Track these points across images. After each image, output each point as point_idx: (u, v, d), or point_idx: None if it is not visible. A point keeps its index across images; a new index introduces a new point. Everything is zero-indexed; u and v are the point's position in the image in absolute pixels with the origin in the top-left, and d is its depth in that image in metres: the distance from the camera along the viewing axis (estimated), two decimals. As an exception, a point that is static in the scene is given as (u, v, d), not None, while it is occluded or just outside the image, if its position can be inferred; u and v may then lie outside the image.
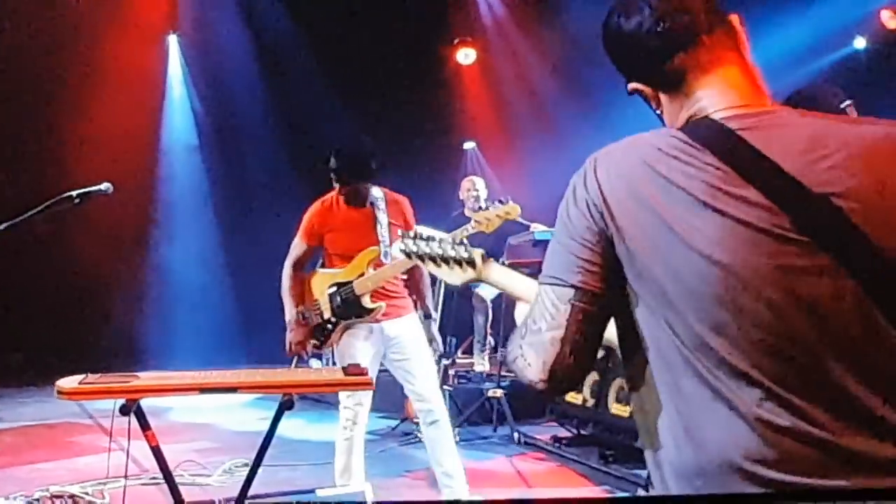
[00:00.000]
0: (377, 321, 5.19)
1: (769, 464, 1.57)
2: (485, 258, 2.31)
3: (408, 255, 2.42)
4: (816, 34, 10.75)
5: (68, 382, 3.52)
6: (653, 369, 1.71)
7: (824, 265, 1.58)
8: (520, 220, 5.11)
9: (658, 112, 1.89)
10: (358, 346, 5.19)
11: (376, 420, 8.16)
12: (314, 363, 8.82)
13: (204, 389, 3.59)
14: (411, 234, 2.45)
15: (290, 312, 5.53)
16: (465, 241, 2.36)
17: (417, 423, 7.27)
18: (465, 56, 11.94)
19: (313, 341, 5.44)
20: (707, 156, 1.66)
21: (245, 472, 3.95)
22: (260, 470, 3.95)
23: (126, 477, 4.07)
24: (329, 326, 5.29)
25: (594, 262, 1.72)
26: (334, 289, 5.29)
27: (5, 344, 10.14)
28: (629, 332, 1.74)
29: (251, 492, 3.91)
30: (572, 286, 1.73)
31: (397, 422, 7.75)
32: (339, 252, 5.37)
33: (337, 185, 5.45)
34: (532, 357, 1.76)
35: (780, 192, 1.61)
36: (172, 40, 11.24)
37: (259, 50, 11.13)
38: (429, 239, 2.43)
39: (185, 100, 11.39)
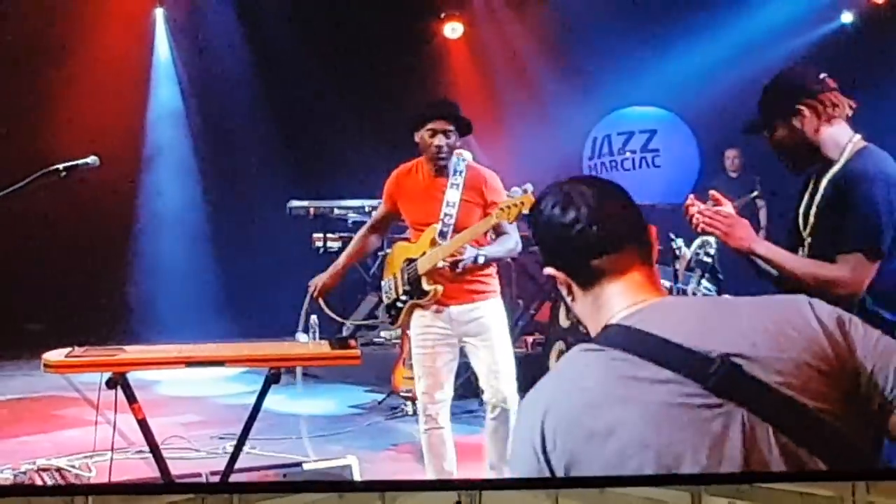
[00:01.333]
0: (444, 304, 4.85)
1: None
2: None
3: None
4: (803, 9, 10.75)
5: (55, 355, 3.53)
6: None
7: (739, 418, 1.71)
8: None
9: (569, 299, 2.03)
10: (425, 330, 4.89)
11: (363, 394, 8.19)
12: (301, 337, 8.82)
13: (191, 363, 3.61)
14: None
15: (333, 265, 5.36)
16: None
17: (404, 398, 7.31)
18: (453, 30, 11.90)
19: (388, 318, 5.18)
20: (616, 354, 1.82)
21: (232, 445, 3.96)
22: (247, 443, 3.97)
23: (112, 450, 4.08)
24: (399, 305, 5.00)
25: None
26: (405, 264, 4.99)
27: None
28: None
29: (237, 465, 3.93)
30: None
31: (384, 396, 7.77)
32: (411, 222, 5.08)
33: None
34: None
35: (685, 364, 1.76)
36: (159, 14, 11.17)
37: (245, 23, 11.06)
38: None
39: (171, 74, 11.31)
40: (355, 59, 11.34)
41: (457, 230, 4.74)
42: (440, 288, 4.79)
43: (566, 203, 1.95)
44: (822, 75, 3.43)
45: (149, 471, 4.14)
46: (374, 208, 8.74)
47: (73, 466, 5.43)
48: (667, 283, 5.99)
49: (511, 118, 11.60)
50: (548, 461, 1.78)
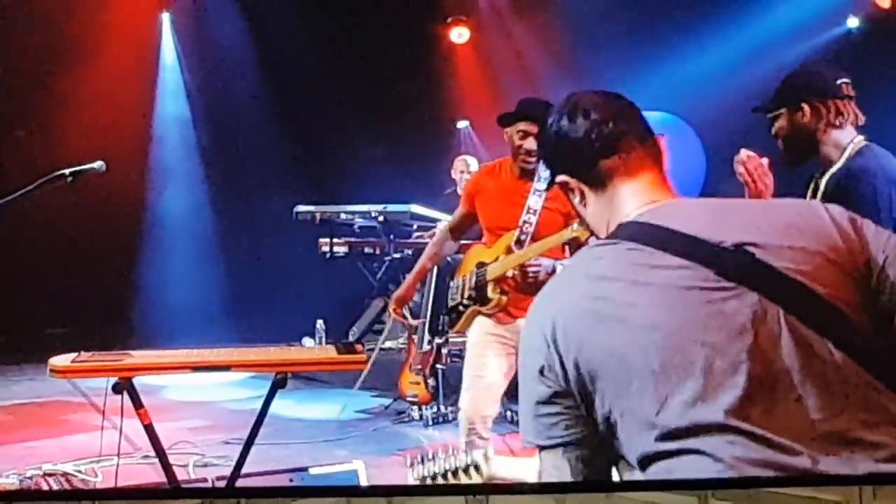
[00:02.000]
0: (511, 316, 4.59)
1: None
2: (487, 457, 2.42)
3: (423, 480, 2.52)
4: (809, 13, 10.74)
5: (61, 360, 3.53)
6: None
7: (751, 300, 1.76)
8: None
9: (581, 206, 2.08)
10: (485, 338, 4.66)
11: (369, 399, 8.17)
12: (307, 342, 8.83)
13: (197, 368, 3.60)
14: (419, 457, 2.55)
15: (410, 276, 5.17)
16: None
17: (410, 403, 7.30)
18: (459, 35, 11.90)
19: (448, 320, 4.94)
20: (630, 244, 1.87)
21: (238, 450, 3.96)
22: (253, 448, 3.96)
23: (119, 455, 4.08)
24: (461, 308, 4.78)
25: (568, 412, 1.84)
26: (476, 268, 4.74)
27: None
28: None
29: (244, 470, 3.92)
30: (560, 445, 1.85)
31: (390, 401, 7.76)
32: (486, 224, 4.80)
33: None
34: None
35: (698, 252, 1.81)
36: (165, 19, 11.18)
37: (251, 28, 11.07)
38: (434, 457, 2.54)
39: (178, 79, 11.33)
40: (361, 65, 11.35)
41: (534, 239, 4.49)
42: (504, 298, 4.56)
43: (573, 110, 2.03)
44: (840, 80, 3.50)
45: (155, 476, 4.14)
46: (381, 213, 8.78)
47: (79, 471, 5.43)
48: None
49: (518, 123, 11.59)
50: (557, 350, 1.81)
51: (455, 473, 2.45)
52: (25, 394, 8.33)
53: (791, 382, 1.70)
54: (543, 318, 1.85)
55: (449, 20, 11.81)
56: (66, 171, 4.32)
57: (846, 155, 3.42)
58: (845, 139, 3.43)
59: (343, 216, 9.04)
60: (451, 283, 4.98)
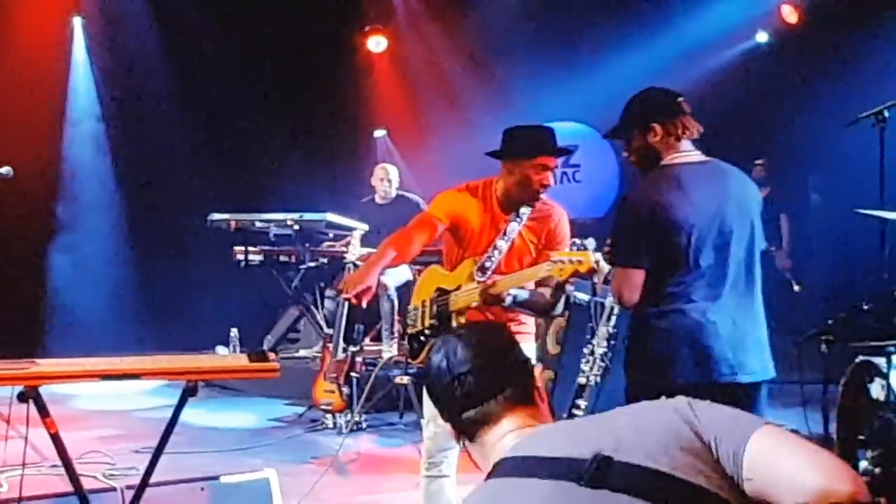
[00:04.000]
0: None
1: None
2: None
3: None
4: (720, 27, 10.99)
5: (-35, 369, 3.46)
6: None
7: (619, 499, 1.77)
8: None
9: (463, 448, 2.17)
10: None
11: (283, 407, 8.16)
12: (221, 350, 8.77)
13: (106, 376, 3.57)
14: None
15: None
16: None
17: (324, 411, 7.30)
18: (377, 44, 11.92)
19: (410, 349, 4.61)
20: (502, 480, 1.93)
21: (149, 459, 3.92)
22: (165, 457, 3.93)
23: (24, 465, 4.02)
24: (422, 339, 4.48)
25: None
26: (436, 294, 4.42)
27: None
28: None
29: (155, 478, 3.89)
30: None
31: (304, 409, 7.75)
32: (460, 247, 4.42)
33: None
34: None
35: (560, 470, 1.84)
36: (77, 23, 11.01)
37: (165, 35, 10.94)
38: None
39: (90, 85, 11.14)
40: (278, 72, 11.31)
41: (498, 268, 4.22)
42: None
43: (440, 359, 2.10)
44: (679, 99, 3.76)
45: (63, 485, 4.07)
46: (297, 221, 8.75)
47: (-17, 482, 5.33)
48: (585, 297, 6.07)
49: (434, 132, 11.65)
50: None
51: None
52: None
53: None
54: None
55: (367, 29, 11.82)
56: (-27, 177, 4.26)
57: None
58: (677, 156, 3.68)
59: (258, 224, 8.98)
60: (409, 309, 4.62)
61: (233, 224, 8.92)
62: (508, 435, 2.03)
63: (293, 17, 11.01)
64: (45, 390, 3.62)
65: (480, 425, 2.06)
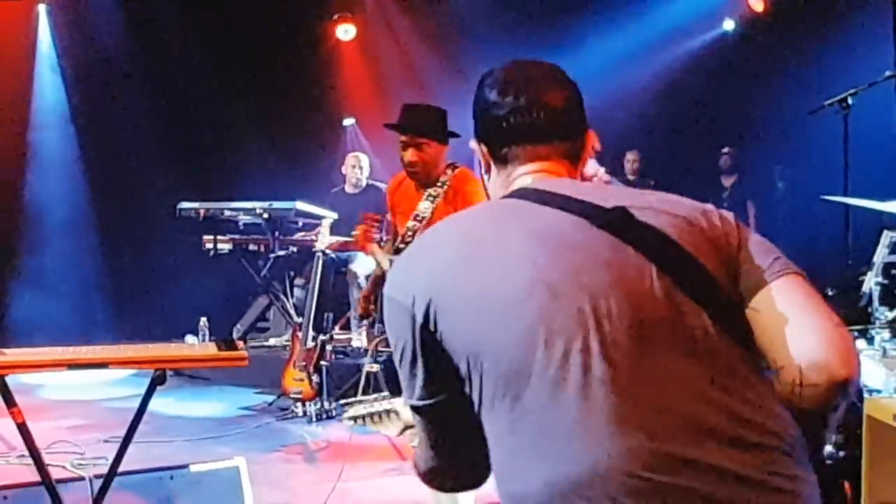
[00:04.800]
0: None
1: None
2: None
3: (354, 420, 2.69)
4: (686, 15, 11.04)
5: (-70, 359, 3.44)
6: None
7: (625, 252, 1.73)
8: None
9: (485, 175, 2.07)
10: None
11: (253, 396, 8.15)
12: (189, 339, 8.74)
13: (73, 365, 3.56)
14: (351, 400, 2.76)
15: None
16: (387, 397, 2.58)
17: (294, 399, 7.30)
18: (345, 32, 11.88)
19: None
20: (510, 200, 1.88)
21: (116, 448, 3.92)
22: (133, 446, 3.92)
23: (-8, 455, 4.01)
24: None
25: (440, 377, 1.81)
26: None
27: None
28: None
29: (123, 468, 3.89)
30: (426, 407, 1.86)
31: (274, 397, 7.74)
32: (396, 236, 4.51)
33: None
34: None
35: (577, 208, 1.79)
36: (41, 9, 10.91)
37: (132, 22, 10.86)
38: (360, 401, 2.72)
39: (55, 73, 11.05)
40: (247, 59, 11.26)
41: None
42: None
43: (503, 86, 1.98)
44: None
45: (30, 475, 4.06)
46: (266, 210, 8.74)
47: (-49, 472, 5.31)
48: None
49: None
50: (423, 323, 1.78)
51: (380, 415, 2.62)
52: None
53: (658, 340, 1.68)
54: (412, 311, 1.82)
55: (335, 17, 11.79)
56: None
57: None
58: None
59: (227, 213, 8.95)
60: None
61: (201, 213, 8.88)
62: (537, 174, 1.95)
63: (261, 5, 10.96)
64: (12, 380, 3.61)
65: (521, 160, 1.98)
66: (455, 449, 1.93)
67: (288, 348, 7.86)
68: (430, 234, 1.95)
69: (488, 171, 2.04)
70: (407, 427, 2.60)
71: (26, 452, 3.80)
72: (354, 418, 2.69)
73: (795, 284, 1.78)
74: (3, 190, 10.27)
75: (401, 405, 2.57)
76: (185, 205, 8.98)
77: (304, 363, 7.23)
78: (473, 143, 2.05)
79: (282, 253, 8.96)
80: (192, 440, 6.64)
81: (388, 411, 2.62)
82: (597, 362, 1.64)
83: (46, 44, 10.98)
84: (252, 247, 9.12)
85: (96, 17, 10.82)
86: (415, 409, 1.90)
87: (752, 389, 1.69)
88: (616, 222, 1.76)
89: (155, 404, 3.96)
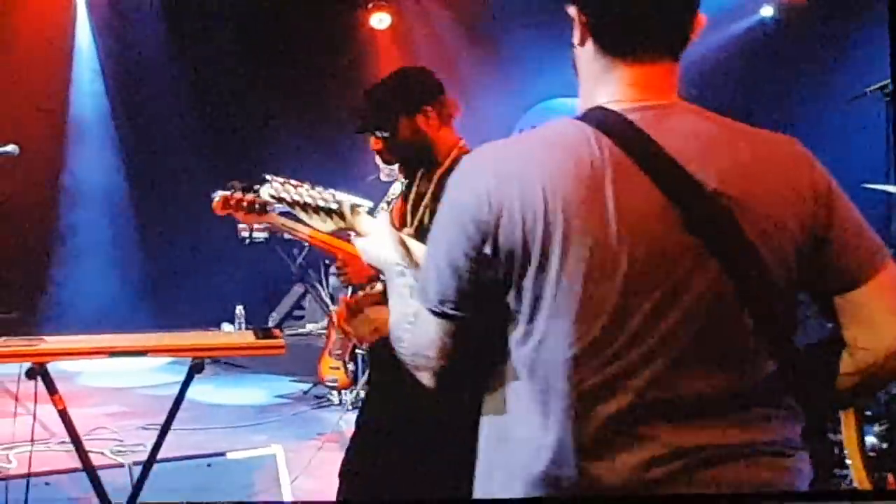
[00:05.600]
0: None
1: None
2: (356, 210, 2.29)
3: (276, 200, 2.40)
4: (724, 3, 10.92)
5: (-27, 346, 3.48)
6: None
7: (707, 264, 1.63)
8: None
9: (575, 41, 1.82)
10: None
11: (289, 384, 8.18)
12: (226, 327, 8.79)
13: (113, 353, 3.58)
14: (280, 178, 2.40)
15: None
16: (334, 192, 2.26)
17: (329, 387, 7.32)
18: (380, 20, 11.85)
19: None
20: (603, 141, 1.66)
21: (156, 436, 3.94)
22: (171, 434, 3.95)
23: (32, 441, 4.04)
24: None
25: (479, 287, 1.69)
26: None
27: None
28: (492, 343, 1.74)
29: (161, 455, 3.91)
30: (455, 317, 1.72)
31: (310, 385, 7.77)
32: None
33: None
34: (426, 376, 1.79)
35: (676, 188, 1.64)
36: (80, 2, 10.98)
37: (168, 10, 10.91)
38: (297, 185, 2.39)
39: (94, 62, 11.11)
40: (282, 49, 11.27)
41: None
42: None
43: None
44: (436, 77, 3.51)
45: (71, 462, 4.10)
46: (301, 198, 8.75)
47: (-8, 457, 5.37)
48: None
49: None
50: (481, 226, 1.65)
51: (317, 210, 2.32)
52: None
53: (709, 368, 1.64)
54: (477, 205, 1.68)
55: (369, 5, 11.77)
56: (-22, 155, 4.26)
57: (450, 158, 3.38)
58: (452, 141, 3.43)
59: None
60: None
61: (238, 199, 8.90)
62: (640, 88, 1.75)
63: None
64: (52, 367, 3.64)
65: (631, 54, 1.75)
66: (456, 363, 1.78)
67: (323, 336, 7.88)
68: (538, 138, 1.79)
69: (581, 43, 1.80)
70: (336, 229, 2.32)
71: (67, 439, 3.83)
72: (278, 199, 2.39)
73: (888, 279, 1.74)
74: (40, 178, 10.34)
75: (347, 207, 2.30)
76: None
77: (339, 351, 7.25)
78: (573, 10, 1.81)
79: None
80: (229, 428, 6.68)
81: (328, 209, 2.32)
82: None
83: (85, 34, 11.05)
84: (287, 235, 9.14)
85: (134, 7, 10.87)
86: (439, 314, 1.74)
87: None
88: (707, 225, 1.63)
89: (192, 392, 3.97)
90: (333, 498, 3.49)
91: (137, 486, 3.81)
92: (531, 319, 1.66)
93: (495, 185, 1.66)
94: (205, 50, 11.07)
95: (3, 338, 3.65)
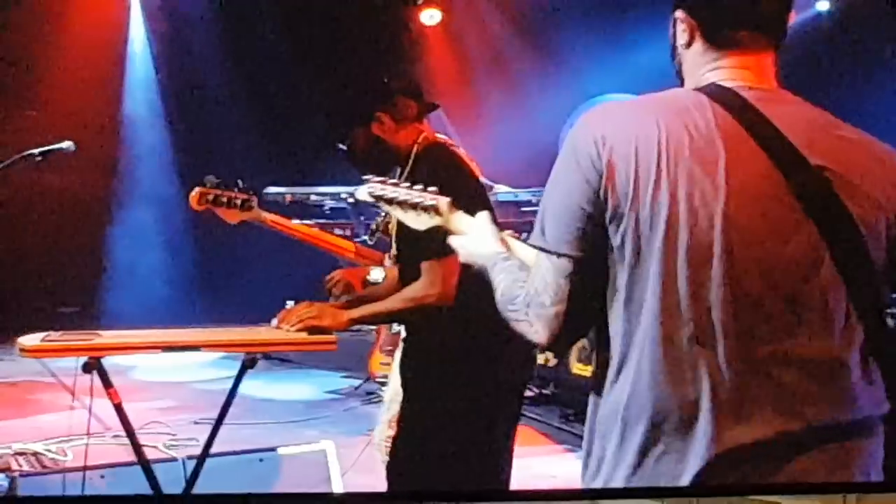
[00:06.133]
0: None
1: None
2: (452, 207, 2.32)
3: (374, 199, 2.48)
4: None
5: (30, 340, 3.51)
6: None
7: (809, 232, 1.73)
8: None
9: (681, 41, 1.99)
10: None
11: (339, 380, 8.21)
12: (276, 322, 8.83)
13: (167, 348, 3.60)
14: (378, 178, 2.47)
15: None
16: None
17: (380, 383, 7.33)
18: (430, 17, 11.86)
19: None
20: (716, 109, 1.81)
21: (208, 430, 3.97)
22: (223, 428, 3.97)
23: (88, 435, 4.09)
24: None
25: (594, 230, 1.79)
26: None
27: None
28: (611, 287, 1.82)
29: (214, 449, 3.94)
30: (572, 258, 1.80)
31: (360, 381, 7.79)
32: None
33: None
34: (539, 326, 1.85)
35: (782, 157, 1.76)
36: (135, 2, 11.08)
37: (221, 8, 11.00)
38: (396, 184, 2.45)
39: (147, 60, 11.23)
40: (333, 46, 11.31)
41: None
42: None
43: None
44: (386, 79, 3.57)
45: (125, 455, 4.14)
46: (351, 195, 8.77)
47: (49, 450, 5.44)
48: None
49: (488, 107, 11.59)
50: (602, 175, 1.77)
51: (414, 207, 2.37)
52: (-5, 373, 8.30)
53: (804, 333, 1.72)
54: (596, 155, 1.81)
55: (420, 2, 11.78)
56: (35, 151, 4.32)
57: (413, 156, 3.42)
58: (412, 138, 3.45)
59: (313, 198, 9.02)
60: None
61: (288, 197, 8.97)
62: (747, 73, 1.92)
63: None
64: (107, 361, 3.68)
65: (740, 45, 1.94)
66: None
67: (374, 332, 7.90)
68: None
69: (689, 42, 1.99)
70: (436, 226, 2.34)
71: (121, 433, 3.87)
72: (377, 197, 2.45)
73: None
74: (95, 176, 10.46)
75: (445, 205, 2.32)
76: (271, 189, 9.07)
77: (390, 347, 7.26)
78: (681, 14, 1.99)
79: (366, 237, 8.99)
80: (280, 423, 6.72)
81: (426, 206, 2.34)
82: None
83: (139, 32, 11.16)
84: (337, 231, 9.17)
85: (187, 5, 10.95)
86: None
87: None
88: (812, 192, 1.75)
89: (243, 387, 3.99)
90: (384, 495, 3.51)
91: (191, 480, 3.83)
92: (636, 264, 1.75)
93: (613, 132, 1.79)
94: (256, 49, 11.14)
95: (60, 332, 3.69)
